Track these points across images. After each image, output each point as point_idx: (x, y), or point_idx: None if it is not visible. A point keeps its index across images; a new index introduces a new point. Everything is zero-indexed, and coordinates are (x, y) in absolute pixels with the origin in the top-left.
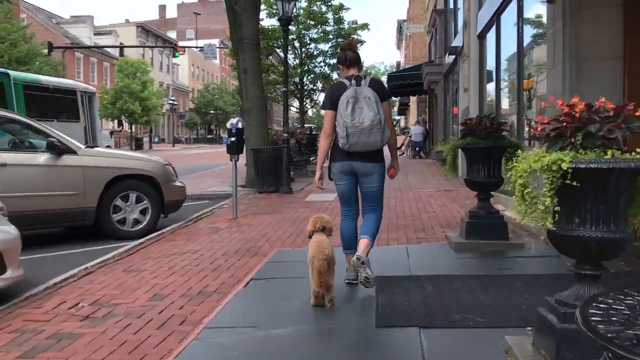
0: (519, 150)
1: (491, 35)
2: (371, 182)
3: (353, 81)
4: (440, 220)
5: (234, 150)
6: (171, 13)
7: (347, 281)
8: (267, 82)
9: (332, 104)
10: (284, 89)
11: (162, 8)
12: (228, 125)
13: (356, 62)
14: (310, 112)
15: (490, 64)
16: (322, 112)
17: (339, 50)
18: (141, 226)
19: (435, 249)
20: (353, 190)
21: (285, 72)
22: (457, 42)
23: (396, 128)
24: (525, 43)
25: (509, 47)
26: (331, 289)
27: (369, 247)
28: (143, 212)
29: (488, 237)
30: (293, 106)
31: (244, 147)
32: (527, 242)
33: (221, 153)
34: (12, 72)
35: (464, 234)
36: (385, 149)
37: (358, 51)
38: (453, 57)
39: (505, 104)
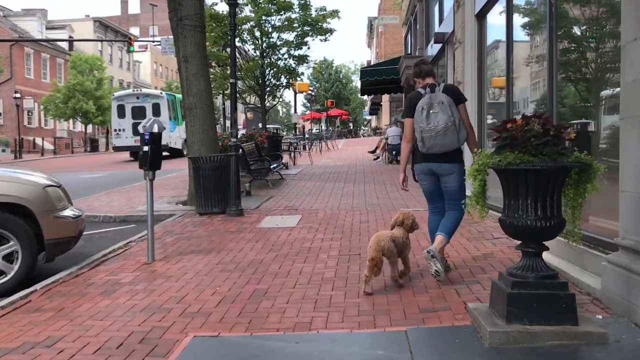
0: (592, 171)
1: (495, 13)
2: (449, 181)
3: (428, 89)
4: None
5: (148, 164)
6: (134, 9)
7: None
8: (223, 76)
9: (410, 112)
10: (231, 81)
11: (125, 3)
12: (140, 128)
13: (431, 72)
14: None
15: (496, 49)
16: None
17: (413, 66)
18: (5, 279)
19: (453, 338)
20: (436, 189)
21: (232, 56)
22: (444, 27)
23: (367, 129)
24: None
25: (531, 23)
26: (393, 277)
27: (444, 243)
28: (8, 257)
29: (545, 320)
30: (252, 104)
31: (162, 160)
32: (606, 326)
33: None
34: None
35: (503, 314)
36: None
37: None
38: (439, 46)
39: (521, 98)
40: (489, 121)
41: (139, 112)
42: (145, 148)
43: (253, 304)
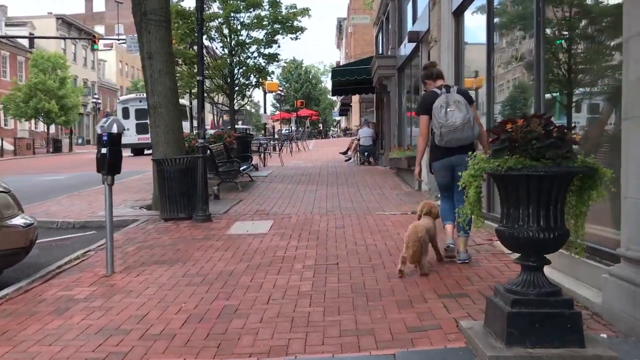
0: (598, 177)
1: (474, 10)
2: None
3: (443, 89)
4: (431, 278)
5: (106, 167)
6: (99, 7)
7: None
8: (190, 74)
9: (426, 110)
10: (198, 79)
11: (89, 1)
12: (98, 129)
13: (441, 74)
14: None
15: (474, 48)
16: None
17: (422, 70)
18: None
19: None
20: (450, 182)
21: (199, 52)
22: (419, 26)
23: (336, 129)
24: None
25: (515, 19)
26: (422, 265)
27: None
28: None
29: (549, 341)
30: (220, 104)
31: (121, 163)
32: (614, 347)
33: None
34: None
35: (503, 336)
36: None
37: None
38: (413, 45)
39: (503, 98)
40: None
41: (142, 114)
42: (103, 150)
43: (222, 324)
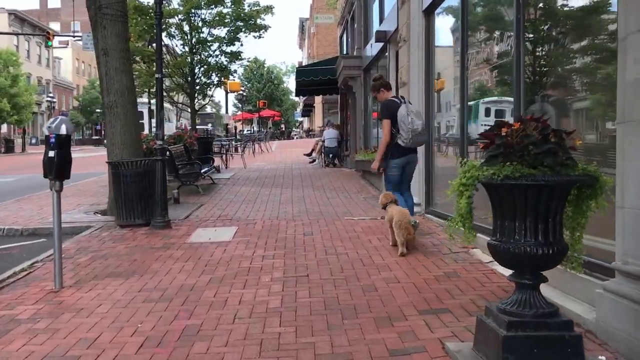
0: (598, 186)
1: (447, 7)
2: (413, 169)
3: (401, 99)
4: (408, 290)
5: (54, 172)
6: (54, 3)
7: None
8: (149, 73)
9: (390, 115)
10: (157, 76)
11: None
12: (45, 130)
13: (391, 86)
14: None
15: (446, 48)
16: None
17: (377, 80)
18: None
19: None
20: (400, 177)
21: (158, 49)
22: (387, 25)
23: (299, 130)
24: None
25: (492, 17)
26: (406, 245)
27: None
28: None
29: None
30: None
31: (70, 167)
32: None
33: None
34: None
35: None
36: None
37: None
38: (380, 45)
39: (478, 101)
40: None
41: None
42: (51, 153)
43: (183, 348)
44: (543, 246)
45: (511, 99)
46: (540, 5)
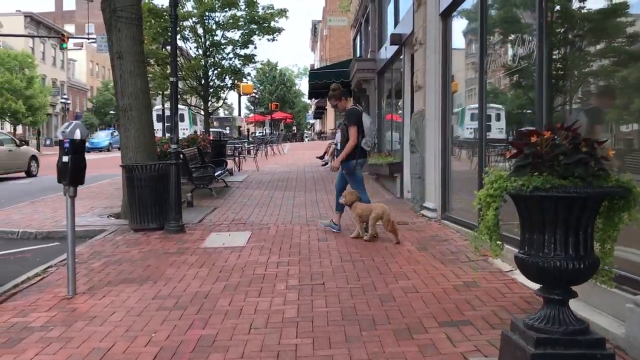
0: (632, 198)
1: (464, 10)
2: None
3: (361, 108)
4: (427, 300)
5: (68, 177)
6: (69, 5)
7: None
8: (163, 75)
9: (358, 121)
10: (172, 79)
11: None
12: (59, 134)
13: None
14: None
15: (463, 51)
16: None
17: (340, 90)
18: None
19: None
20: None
21: (172, 52)
22: (402, 28)
23: (310, 132)
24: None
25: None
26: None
27: None
28: None
29: None
30: (194, 106)
31: (85, 172)
32: None
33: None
34: None
35: None
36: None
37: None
38: (395, 48)
39: (498, 105)
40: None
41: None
42: (65, 158)
43: None
44: (573, 260)
45: (498, 106)
46: (563, 8)
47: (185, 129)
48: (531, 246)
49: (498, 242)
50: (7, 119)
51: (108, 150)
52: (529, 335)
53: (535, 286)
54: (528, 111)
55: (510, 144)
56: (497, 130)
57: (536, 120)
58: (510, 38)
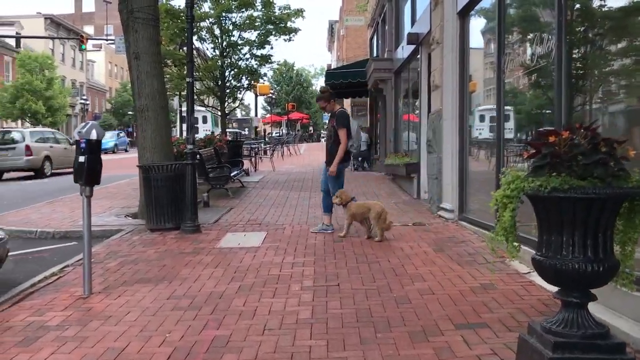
0: None
1: (481, 10)
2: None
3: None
4: (443, 302)
5: (84, 177)
6: (88, 7)
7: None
8: (180, 76)
9: (349, 124)
10: (188, 80)
11: (78, 1)
12: (75, 134)
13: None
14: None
15: (481, 50)
16: None
17: (329, 92)
18: None
19: None
20: None
21: (189, 52)
22: (419, 27)
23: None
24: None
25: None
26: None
27: None
28: None
29: None
30: (211, 106)
31: (101, 173)
32: None
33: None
34: None
35: None
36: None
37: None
38: (412, 47)
39: (515, 105)
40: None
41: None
42: (81, 159)
43: None
44: (592, 263)
45: (507, 107)
46: (583, 6)
47: (207, 130)
48: (549, 248)
49: (515, 243)
50: (27, 120)
51: (113, 152)
52: (547, 339)
53: (554, 288)
54: (547, 111)
55: (528, 144)
56: (507, 130)
57: (555, 120)
58: (528, 37)
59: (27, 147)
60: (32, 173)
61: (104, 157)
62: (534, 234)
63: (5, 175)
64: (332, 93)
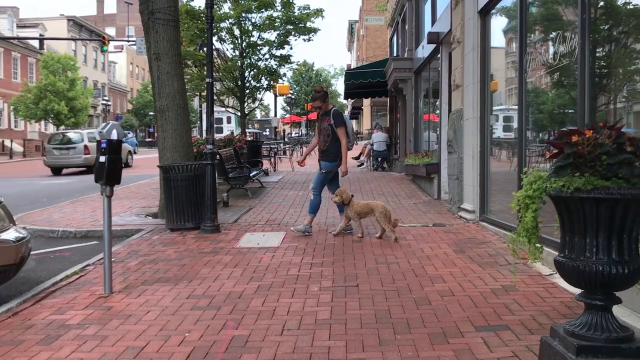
0: None
1: (503, 9)
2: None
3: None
4: (463, 304)
5: (105, 177)
6: (110, 8)
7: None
8: (200, 77)
9: (345, 122)
10: (207, 80)
11: (100, 3)
12: (97, 135)
13: None
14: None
15: (501, 50)
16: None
17: (324, 91)
18: None
19: None
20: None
21: (208, 52)
22: (439, 26)
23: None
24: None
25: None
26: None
27: None
28: None
29: None
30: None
31: (121, 172)
32: None
33: (154, 160)
34: None
35: None
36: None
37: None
38: (432, 47)
39: (536, 105)
40: (498, 132)
41: (216, 121)
42: (102, 158)
43: None
44: (617, 265)
45: (513, 107)
46: (607, 4)
47: (231, 130)
48: (572, 249)
49: (537, 244)
50: (50, 120)
51: None
52: (570, 342)
53: (577, 290)
54: (570, 111)
55: (551, 144)
56: (528, 130)
57: (578, 119)
58: (551, 35)
59: (86, 147)
60: (84, 169)
61: None
62: (556, 235)
63: (64, 171)
64: (326, 93)
